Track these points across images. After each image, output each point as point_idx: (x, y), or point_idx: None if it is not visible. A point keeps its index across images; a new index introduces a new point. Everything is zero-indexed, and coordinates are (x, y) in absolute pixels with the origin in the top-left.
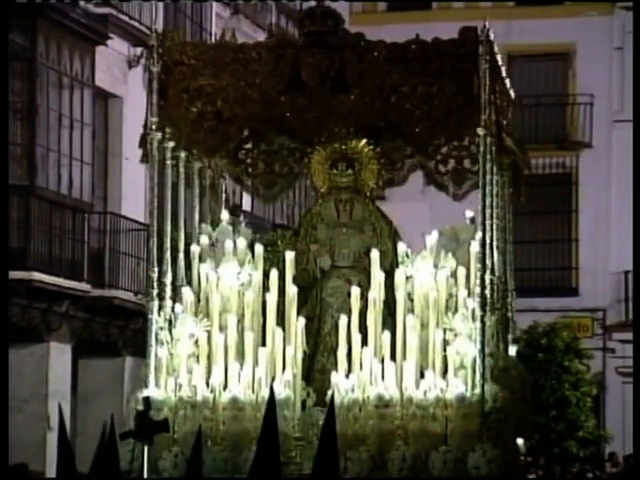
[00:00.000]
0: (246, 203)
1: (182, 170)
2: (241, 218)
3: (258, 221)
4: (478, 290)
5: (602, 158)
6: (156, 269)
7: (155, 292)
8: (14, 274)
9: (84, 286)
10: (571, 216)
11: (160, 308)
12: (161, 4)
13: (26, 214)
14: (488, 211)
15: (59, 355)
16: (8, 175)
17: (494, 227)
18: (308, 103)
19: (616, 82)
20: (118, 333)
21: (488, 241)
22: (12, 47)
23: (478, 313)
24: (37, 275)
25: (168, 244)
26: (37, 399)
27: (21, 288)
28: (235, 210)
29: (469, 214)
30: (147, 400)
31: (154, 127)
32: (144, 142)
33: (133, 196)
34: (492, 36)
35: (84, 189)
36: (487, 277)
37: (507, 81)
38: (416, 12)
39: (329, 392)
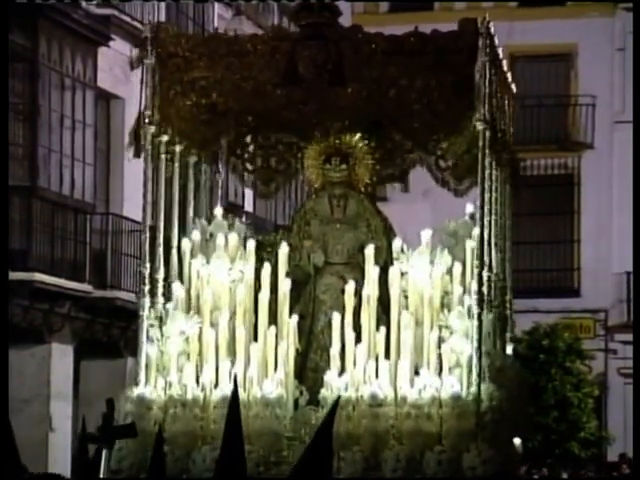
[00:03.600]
0: (248, 204)
1: (176, 165)
2: (243, 218)
3: (260, 222)
4: (475, 287)
5: (604, 159)
6: (148, 265)
7: (147, 288)
8: (16, 275)
9: (86, 287)
10: (573, 217)
11: (152, 305)
12: (163, 5)
13: (28, 215)
14: (487, 207)
15: (61, 356)
16: (8, 176)
17: (492, 223)
18: (304, 96)
19: (618, 83)
20: (120, 334)
21: (486, 237)
22: (14, 48)
23: (475, 310)
24: (39, 276)
25: (160, 240)
26: (39, 400)
27: (23, 289)
28: (236, 209)
29: (469, 209)
30: (111, 403)
31: (147, 120)
32: (137, 136)
33: (135, 197)
34: (492, 29)
35: (86, 190)
36: (485, 274)
37: (509, 75)
38: (418, 13)
39: (323, 391)
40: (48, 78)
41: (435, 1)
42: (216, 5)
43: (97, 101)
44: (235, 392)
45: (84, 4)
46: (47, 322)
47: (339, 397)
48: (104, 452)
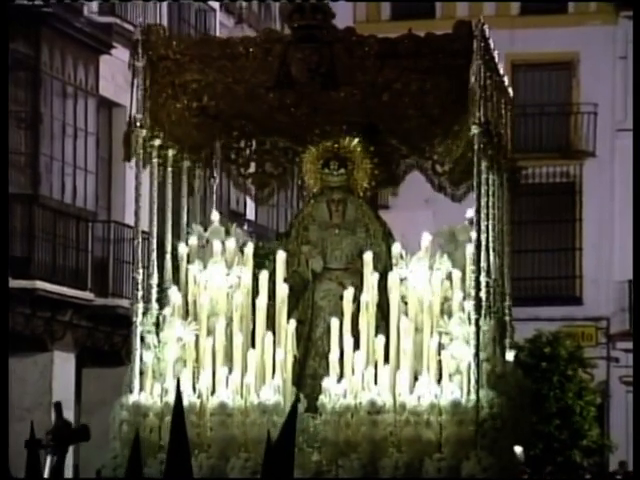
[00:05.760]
0: (250, 212)
1: (169, 169)
2: (245, 226)
3: (262, 229)
4: (472, 293)
5: (605, 167)
6: (141, 270)
7: (140, 294)
8: (18, 283)
9: (88, 295)
10: (575, 225)
11: (146, 311)
12: (165, 13)
13: (30, 223)
14: (484, 211)
15: (63, 364)
16: (9, 184)
17: (490, 228)
18: (297, 99)
19: (620, 91)
20: (122, 342)
21: (484, 242)
22: (16, 56)
23: (473, 316)
24: (41, 284)
25: (154, 245)
26: (40, 408)
27: (25, 297)
28: (237, 217)
29: (469, 214)
30: (58, 406)
31: (138, 124)
32: (128, 139)
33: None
34: (487, 32)
35: (88, 198)
36: (482, 279)
37: (505, 78)
38: (420, 21)
39: (321, 398)
40: (50, 86)
41: (438, 1)
42: (218, 13)
43: (99, 109)
44: (179, 400)
45: (86, 12)
46: (49, 330)
47: (296, 402)
48: (51, 458)
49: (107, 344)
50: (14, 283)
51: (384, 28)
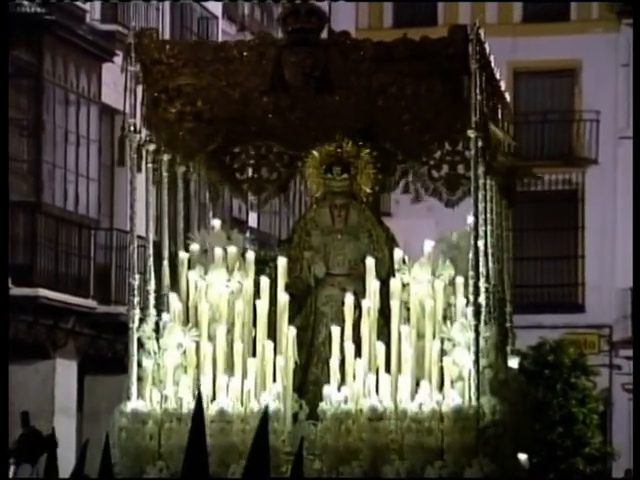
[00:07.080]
0: (252, 220)
1: (165, 174)
2: (247, 234)
3: (264, 237)
4: (472, 298)
5: (608, 174)
6: (137, 276)
7: (136, 300)
8: (20, 290)
9: (90, 302)
10: (577, 232)
11: (143, 317)
12: (168, 20)
13: (32, 230)
14: (481, 217)
15: (65, 371)
16: (9, 190)
17: (488, 234)
18: (291, 104)
19: (622, 98)
20: (124, 349)
21: (482, 248)
22: (19, 64)
23: (472, 322)
24: (43, 291)
25: (151, 251)
26: (43, 415)
27: (27, 305)
28: (240, 224)
29: (471, 220)
30: (25, 416)
31: (132, 129)
32: (123, 145)
33: (139, 212)
34: (483, 35)
35: (90, 205)
36: (481, 285)
37: (502, 83)
38: (422, 28)
39: (321, 405)
40: (53, 94)
41: (440, 1)
42: (220, 21)
43: (101, 116)
44: (199, 406)
45: (88, 19)
46: (51, 337)
47: (267, 407)
48: (14, 468)
49: (109, 352)
50: (17, 291)
51: (386, 35)
